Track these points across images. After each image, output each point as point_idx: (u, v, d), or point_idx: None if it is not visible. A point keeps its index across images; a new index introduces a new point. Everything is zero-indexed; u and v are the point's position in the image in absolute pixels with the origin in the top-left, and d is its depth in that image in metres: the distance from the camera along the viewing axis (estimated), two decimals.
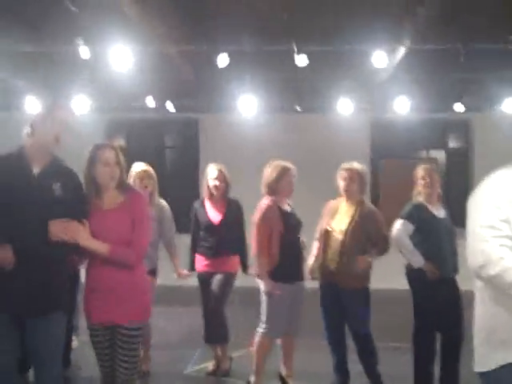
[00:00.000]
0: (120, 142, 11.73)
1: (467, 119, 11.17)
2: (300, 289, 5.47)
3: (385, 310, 5.65)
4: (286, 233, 5.36)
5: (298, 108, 10.74)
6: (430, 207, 5.47)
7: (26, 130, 4.96)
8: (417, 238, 5.38)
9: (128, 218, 3.96)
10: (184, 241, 6.25)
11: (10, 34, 7.15)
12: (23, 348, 3.92)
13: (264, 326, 5.40)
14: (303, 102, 10.58)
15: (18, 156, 3.89)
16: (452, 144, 11.93)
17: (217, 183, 6.06)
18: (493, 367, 2.91)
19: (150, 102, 10.19)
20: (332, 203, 5.64)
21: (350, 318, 5.44)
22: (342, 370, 5.55)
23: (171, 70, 8.58)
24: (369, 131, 11.38)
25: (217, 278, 6.00)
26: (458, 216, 6.85)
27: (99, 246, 3.85)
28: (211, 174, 6.11)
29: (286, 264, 5.33)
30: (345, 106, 10.19)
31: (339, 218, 5.49)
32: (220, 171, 6.10)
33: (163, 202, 6.05)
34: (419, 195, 5.54)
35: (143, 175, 5.84)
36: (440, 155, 11.74)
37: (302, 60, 7.19)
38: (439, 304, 5.30)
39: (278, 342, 5.60)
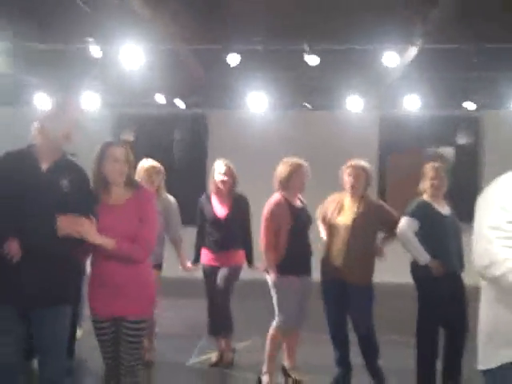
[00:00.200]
0: (129, 137, 11.80)
1: (477, 116, 11.17)
2: (308, 283, 5.54)
3: (388, 304, 5.70)
4: (294, 228, 5.42)
5: (308, 105, 10.77)
6: (435, 205, 5.50)
7: (36, 126, 5.07)
8: (422, 235, 5.40)
9: (135, 214, 4.02)
10: (190, 233, 6.30)
11: (21, 32, 7.23)
12: (29, 338, 4.00)
13: (277, 319, 5.49)
14: (313, 99, 10.60)
15: (27, 152, 3.95)
16: (461, 141, 11.93)
17: (224, 178, 6.12)
18: (496, 365, 2.94)
19: (160, 98, 10.25)
20: (336, 197, 5.68)
21: (355, 312, 5.49)
22: (344, 363, 5.60)
23: (181, 67, 8.64)
24: (378, 128, 11.39)
25: (222, 272, 6.07)
26: (466, 212, 6.92)
27: (106, 242, 3.90)
28: (218, 169, 6.17)
29: (293, 258, 5.40)
30: (354, 104, 10.22)
31: (344, 213, 5.53)
32: (227, 166, 6.16)
33: (170, 197, 6.13)
34: (425, 192, 5.57)
35: (151, 171, 5.92)
36: (449, 152, 11.74)
37: (312, 59, 7.23)
38: (444, 300, 5.33)
39: None
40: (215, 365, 6.17)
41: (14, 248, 3.72)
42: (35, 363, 4.45)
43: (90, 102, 9.78)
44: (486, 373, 3.02)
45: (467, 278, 5.34)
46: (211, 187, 6.28)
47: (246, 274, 6.27)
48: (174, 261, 6.16)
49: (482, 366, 3.05)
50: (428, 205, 5.50)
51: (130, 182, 4.12)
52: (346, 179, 5.57)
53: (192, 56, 8.20)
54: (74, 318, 4.85)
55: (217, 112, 11.18)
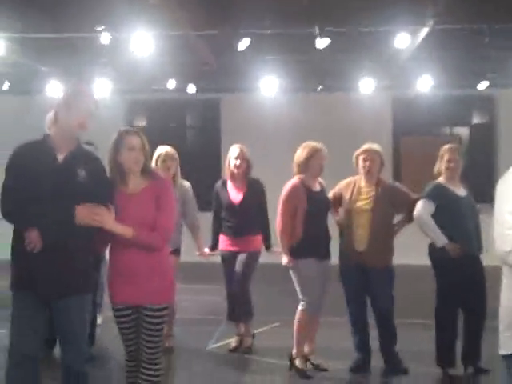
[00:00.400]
0: (141, 123, 11.82)
1: (491, 95, 11.10)
2: (327, 267, 5.56)
3: (406, 287, 5.70)
4: (311, 212, 5.44)
5: (320, 88, 10.74)
6: (451, 186, 5.49)
7: (50, 116, 5.08)
8: (439, 218, 5.40)
9: (152, 202, 4.03)
10: (206, 219, 6.31)
11: (33, 21, 7.23)
12: (50, 327, 4.04)
13: (302, 303, 5.52)
14: (325, 81, 10.57)
15: (43, 143, 3.95)
16: (476, 120, 11.86)
17: (238, 162, 6.12)
18: None
19: (172, 83, 10.25)
20: (350, 182, 5.68)
21: (377, 296, 5.52)
22: (364, 347, 5.62)
23: (192, 52, 8.62)
24: (391, 109, 11.34)
25: (241, 257, 6.09)
26: (482, 192, 6.91)
27: (124, 230, 3.92)
28: (232, 153, 6.18)
29: (310, 241, 5.43)
30: (366, 85, 10.18)
31: (362, 198, 5.54)
32: (241, 150, 6.16)
33: (186, 183, 6.13)
34: (441, 174, 5.56)
35: (166, 157, 5.93)
36: (463, 132, 11.68)
37: (323, 42, 7.19)
38: (462, 282, 5.32)
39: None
40: (235, 350, 6.19)
41: (33, 238, 3.75)
42: (57, 352, 4.52)
43: (102, 89, 9.80)
44: (507, 357, 3.02)
45: (486, 259, 5.34)
46: (226, 172, 6.29)
47: (264, 258, 6.28)
48: (191, 246, 6.17)
49: (503, 351, 3.05)
50: (444, 187, 5.49)
51: (147, 170, 4.12)
52: (361, 164, 5.58)
53: (203, 41, 8.17)
54: (93, 305, 4.89)
55: (229, 96, 11.16)
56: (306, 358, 5.65)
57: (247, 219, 6.11)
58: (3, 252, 4.35)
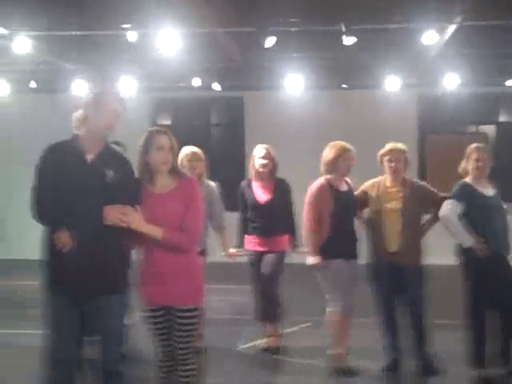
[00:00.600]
0: (166, 121, 11.83)
1: None
2: (354, 267, 5.53)
3: (433, 286, 5.66)
4: (337, 212, 5.43)
5: (345, 85, 10.68)
6: (478, 186, 5.42)
7: (77, 116, 5.10)
8: (467, 218, 5.34)
9: (181, 203, 4.02)
10: (230, 219, 6.29)
11: (58, 18, 7.26)
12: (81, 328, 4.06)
13: (331, 303, 5.49)
14: (350, 79, 10.51)
15: (72, 143, 3.97)
16: (503, 118, 11.71)
17: (264, 162, 6.11)
18: None
19: (196, 81, 10.25)
20: (376, 182, 5.64)
21: (409, 296, 5.47)
22: (395, 348, 5.58)
23: (218, 50, 8.61)
24: (416, 107, 11.24)
25: (268, 258, 6.07)
26: (509, 192, 6.82)
27: (153, 231, 3.92)
28: (258, 153, 6.16)
29: (337, 241, 5.41)
30: (392, 83, 10.11)
31: (390, 198, 5.50)
32: (267, 150, 6.15)
33: (212, 183, 6.12)
34: (467, 173, 5.49)
35: (192, 157, 5.91)
36: (490, 130, 11.54)
37: (349, 39, 7.15)
38: (491, 282, 5.26)
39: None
40: (264, 350, 6.18)
41: (63, 239, 3.76)
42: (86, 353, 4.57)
43: (128, 87, 9.82)
44: None
45: None
46: (252, 172, 6.27)
47: (292, 258, 6.25)
48: (218, 246, 6.15)
49: None
50: (472, 187, 5.42)
51: (174, 171, 4.12)
52: (387, 164, 5.54)
53: (228, 38, 8.16)
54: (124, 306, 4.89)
55: (253, 94, 11.13)
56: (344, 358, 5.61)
57: (274, 219, 6.09)
58: (35, 252, 4.37)
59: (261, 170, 6.14)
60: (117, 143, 4.91)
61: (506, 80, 10.19)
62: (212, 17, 7.09)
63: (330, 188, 5.50)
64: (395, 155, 5.52)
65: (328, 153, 5.56)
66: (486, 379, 5.36)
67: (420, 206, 5.54)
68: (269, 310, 6.10)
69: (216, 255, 6.17)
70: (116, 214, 3.78)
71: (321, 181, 5.55)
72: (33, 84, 10.66)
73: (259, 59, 9.12)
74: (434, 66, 9.44)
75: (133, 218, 3.83)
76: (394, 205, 5.49)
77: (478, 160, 5.43)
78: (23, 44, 7.68)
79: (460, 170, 5.55)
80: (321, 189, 5.49)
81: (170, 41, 7.30)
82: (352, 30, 7.15)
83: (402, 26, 7.40)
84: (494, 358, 5.43)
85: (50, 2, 6.89)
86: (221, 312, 7.62)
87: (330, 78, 10.44)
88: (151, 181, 4.08)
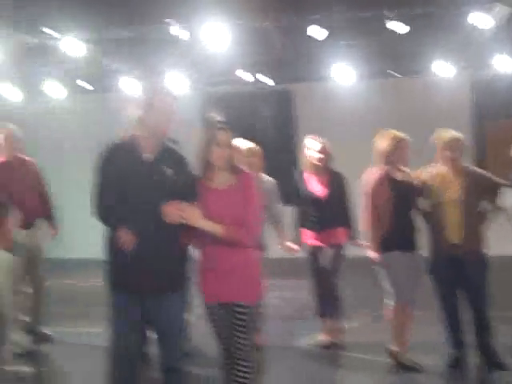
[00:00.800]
0: (216, 116, 11.81)
1: None
2: (415, 259, 5.41)
3: (495, 278, 5.51)
4: (396, 203, 5.32)
5: (394, 73, 10.51)
6: None
7: (132, 116, 5.14)
8: None
9: (240, 199, 4.02)
10: (284, 212, 6.22)
11: (106, 17, 7.32)
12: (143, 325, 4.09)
13: (390, 297, 5.41)
14: (399, 66, 10.34)
15: (130, 143, 4.01)
16: None
17: (320, 156, 6.06)
18: None
19: (245, 75, 10.22)
20: (433, 172, 5.49)
21: (472, 288, 5.33)
22: (458, 343, 5.45)
23: (265, 42, 8.57)
24: (470, 92, 10.98)
25: (326, 252, 6.02)
26: None
27: (212, 227, 3.93)
28: (313, 146, 6.11)
29: (397, 233, 5.32)
30: (444, 68, 9.91)
31: (450, 188, 5.35)
32: (322, 144, 6.11)
33: (269, 178, 6.08)
34: None
35: (248, 154, 5.86)
36: None
37: (397, 25, 7.04)
38: None
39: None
40: (325, 346, 6.12)
41: (125, 237, 3.78)
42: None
43: (177, 83, 9.85)
44: None
45: None
46: (306, 165, 6.21)
47: (350, 251, 6.17)
48: (276, 242, 6.10)
49: None
50: None
51: (232, 166, 4.11)
52: (444, 153, 5.38)
53: (275, 30, 8.11)
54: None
55: (303, 86, 11.04)
56: (394, 356, 5.51)
57: (330, 212, 6.03)
58: (97, 251, 4.40)
59: (317, 163, 6.08)
60: (172, 140, 4.91)
61: None
62: (260, 9, 7.05)
63: (386, 178, 5.39)
64: (452, 144, 5.35)
65: (383, 143, 5.44)
66: None
67: (480, 195, 5.35)
68: (328, 304, 6.05)
69: (273, 250, 6.13)
70: (175, 211, 3.80)
71: (376, 172, 5.44)
72: (83, 84, 10.79)
73: (307, 50, 9.04)
74: (487, 49, 9.22)
75: (192, 215, 3.84)
76: (453, 195, 5.32)
77: None
78: (74, 45, 7.77)
79: None
80: (378, 180, 5.39)
81: (218, 35, 7.29)
82: (401, 16, 7.04)
83: (453, 10, 7.23)
84: None
85: (97, 1, 6.94)
86: (279, 308, 7.58)
87: (380, 66, 10.28)
88: (210, 177, 4.08)
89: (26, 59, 8.51)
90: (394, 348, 5.48)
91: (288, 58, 9.54)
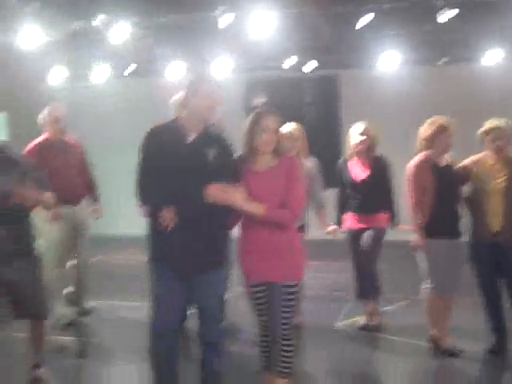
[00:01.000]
0: (260, 102, 11.83)
1: None
2: (457, 246, 5.38)
3: None
4: (439, 188, 5.29)
5: (444, 59, 10.36)
6: None
7: (176, 99, 5.24)
8: None
9: (281, 180, 4.09)
10: (328, 196, 6.23)
11: (154, 2, 7.39)
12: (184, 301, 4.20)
13: (427, 282, 5.40)
14: (449, 53, 10.18)
15: (173, 126, 4.10)
16: None
17: (362, 138, 6.06)
18: None
19: (290, 61, 10.22)
20: (477, 160, 5.45)
21: None
22: (499, 329, 5.41)
23: (311, 29, 8.54)
24: None
25: (367, 234, 6.03)
26: None
27: (254, 208, 3.99)
28: (356, 130, 6.12)
29: (440, 219, 5.29)
30: (494, 55, 9.75)
31: (494, 178, 5.31)
32: (364, 127, 6.10)
33: (311, 160, 6.10)
34: None
35: (290, 137, 5.90)
36: None
37: (449, 13, 6.94)
38: None
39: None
40: (363, 328, 6.15)
41: (168, 217, 3.87)
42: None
43: (222, 68, 9.90)
44: None
45: None
46: (349, 149, 6.22)
47: (390, 235, 6.17)
48: (317, 223, 6.13)
49: None
50: None
51: (278, 150, 4.16)
52: (490, 143, 5.34)
53: (321, 17, 8.08)
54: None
55: (348, 72, 10.98)
56: (435, 342, 5.50)
57: (372, 196, 6.02)
58: (139, 228, 4.50)
59: (359, 146, 6.09)
60: (215, 125, 4.98)
61: None
62: None
63: (428, 164, 5.37)
64: (498, 133, 5.29)
65: (426, 129, 5.42)
66: None
67: None
68: (368, 287, 6.08)
69: (314, 232, 6.16)
70: (218, 192, 3.86)
71: (419, 158, 5.42)
72: (130, 69, 10.91)
73: (353, 37, 8.98)
74: None
75: (234, 196, 3.91)
76: (497, 184, 5.28)
77: None
78: (122, 30, 7.86)
79: None
80: (420, 165, 5.37)
81: (263, 22, 7.30)
82: (451, 1, 6.94)
83: None
84: None
85: None
86: (318, 289, 7.62)
87: (428, 52, 10.14)
88: (253, 159, 4.15)
89: (73, 43, 8.63)
90: (434, 332, 5.48)
91: (334, 45, 9.49)
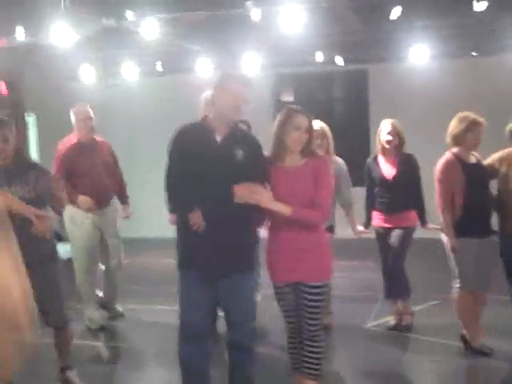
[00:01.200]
0: (289, 97, 11.79)
1: None
2: (488, 244, 5.29)
3: None
4: (469, 186, 5.21)
5: (474, 53, 10.20)
6: None
7: (205, 97, 5.22)
8: None
9: (310, 179, 4.06)
10: (356, 195, 6.18)
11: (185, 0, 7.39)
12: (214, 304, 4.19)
13: (457, 281, 5.33)
14: (480, 45, 10.00)
15: (202, 126, 4.09)
16: None
17: (389, 138, 6.01)
18: None
19: (319, 55, 10.14)
20: (504, 157, 5.35)
21: None
22: None
23: (340, 23, 8.47)
24: None
25: (395, 233, 5.97)
26: None
27: (282, 208, 3.96)
28: (384, 128, 6.06)
29: (470, 218, 5.21)
30: None
31: None
32: (393, 125, 6.03)
33: (339, 160, 6.06)
34: None
35: (318, 135, 5.83)
36: None
37: (481, 4, 6.81)
38: None
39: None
40: (394, 328, 6.10)
41: (197, 219, 3.86)
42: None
43: (251, 64, 9.86)
44: None
45: None
46: (378, 147, 6.16)
47: (419, 233, 6.10)
48: (345, 223, 6.09)
49: None
50: None
51: (308, 149, 4.12)
52: None
53: (351, 11, 8.00)
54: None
55: (377, 66, 10.86)
56: (466, 342, 5.43)
57: (401, 195, 5.96)
58: (168, 230, 4.50)
59: (386, 145, 6.03)
60: (242, 121, 4.96)
61: None
62: None
63: (457, 161, 5.28)
64: None
65: (457, 125, 5.33)
66: None
67: None
68: (397, 286, 6.03)
69: (343, 232, 6.11)
70: (246, 192, 3.84)
71: (448, 156, 5.34)
72: (159, 66, 10.92)
73: (383, 30, 8.88)
74: None
75: (262, 196, 3.88)
76: None
77: None
78: (151, 27, 7.87)
79: None
80: (448, 163, 5.29)
81: (292, 16, 7.25)
82: None
83: None
84: None
85: None
86: (347, 289, 7.58)
87: (459, 45, 9.99)
88: (282, 158, 4.12)
89: (103, 41, 8.66)
90: (464, 331, 5.41)
91: (363, 39, 9.39)
